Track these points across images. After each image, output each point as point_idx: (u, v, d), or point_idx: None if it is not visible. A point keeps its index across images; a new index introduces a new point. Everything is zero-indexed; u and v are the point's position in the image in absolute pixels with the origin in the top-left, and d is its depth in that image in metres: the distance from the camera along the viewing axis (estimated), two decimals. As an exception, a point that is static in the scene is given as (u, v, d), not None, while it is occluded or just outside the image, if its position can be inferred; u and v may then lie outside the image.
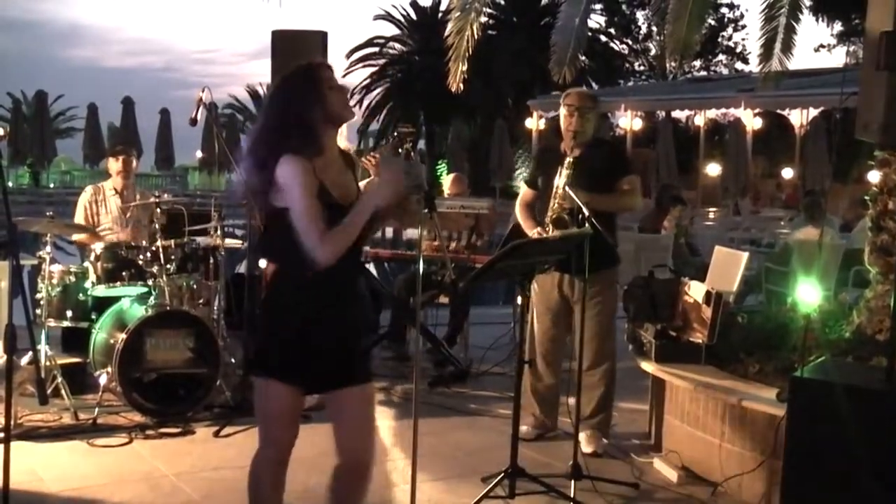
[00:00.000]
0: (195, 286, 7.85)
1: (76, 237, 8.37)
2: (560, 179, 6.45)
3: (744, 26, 48.26)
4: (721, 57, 49.51)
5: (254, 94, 53.22)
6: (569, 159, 6.48)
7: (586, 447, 6.51)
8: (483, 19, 9.20)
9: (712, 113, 33.48)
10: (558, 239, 5.94)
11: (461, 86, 9.09)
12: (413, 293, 8.53)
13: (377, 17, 47.53)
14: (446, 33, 9.36)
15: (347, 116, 4.08)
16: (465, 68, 8.96)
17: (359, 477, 4.25)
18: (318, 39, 8.39)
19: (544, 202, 6.69)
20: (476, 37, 8.89)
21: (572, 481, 5.65)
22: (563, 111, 6.72)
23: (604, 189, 6.46)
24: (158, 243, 7.43)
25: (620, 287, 7.20)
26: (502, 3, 42.16)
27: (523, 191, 7.06)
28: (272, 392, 4.08)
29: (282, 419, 4.14)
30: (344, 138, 4.30)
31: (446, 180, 10.24)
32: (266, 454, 4.21)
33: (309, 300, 4.00)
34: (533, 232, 6.60)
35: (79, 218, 8.47)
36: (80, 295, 7.64)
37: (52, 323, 7.55)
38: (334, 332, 4.03)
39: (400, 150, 4.58)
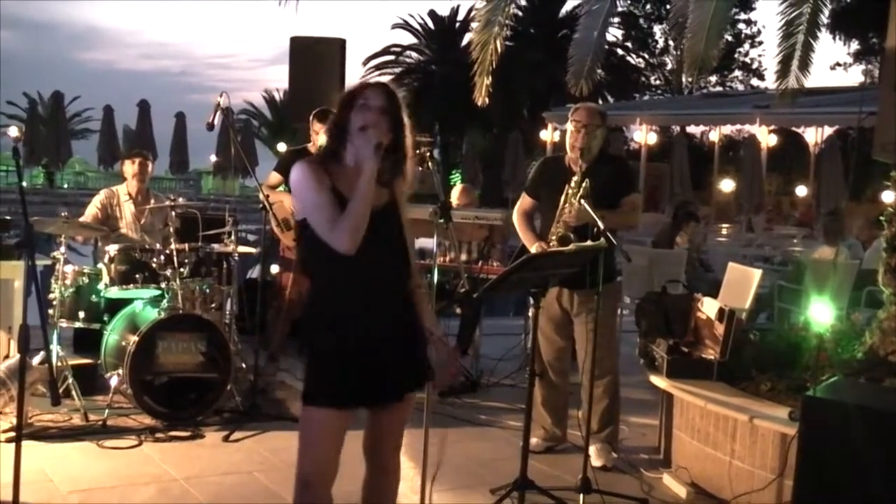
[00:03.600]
0: (208, 290, 7.87)
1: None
2: (566, 198, 6.44)
3: (760, 42, 48.21)
4: (737, 73, 49.50)
5: (270, 99, 53.24)
6: (575, 179, 6.47)
7: (596, 461, 6.51)
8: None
9: (727, 129, 33.44)
10: (573, 252, 5.92)
11: (485, 98, 9.06)
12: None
13: (395, 26, 47.57)
14: (469, 46, 9.35)
15: (361, 140, 3.93)
16: (489, 82, 8.95)
17: (389, 480, 4.34)
18: (337, 46, 8.43)
19: (547, 214, 6.69)
20: (499, 50, 8.88)
21: (581, 495, 5.64)
22: (570, 126, 6.71)
23: (608, 205, 6.45)
24: (172, 247, 7.44)
25: (632, 301, 7.17)
26: (520, 14, 42.14)
27: (522, 199, 7.04)
28: (323, 420, 3.98)
29: (328, 450, 4.01)
30: None
31: (455, 191, 10.22)
32: (304, 489, 4.04)
33: (343, 309, 3.96)
34: (534, 246, 6.59)
35: (88, 214, 8.53)
36: (93, 296, 7.68)
37: (64, 323, 7.58)
38: (371, 345, 3.96)
39: (421, 167, 4.56)
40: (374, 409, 4.12)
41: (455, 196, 10.01)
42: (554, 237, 6.47)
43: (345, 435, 4.04)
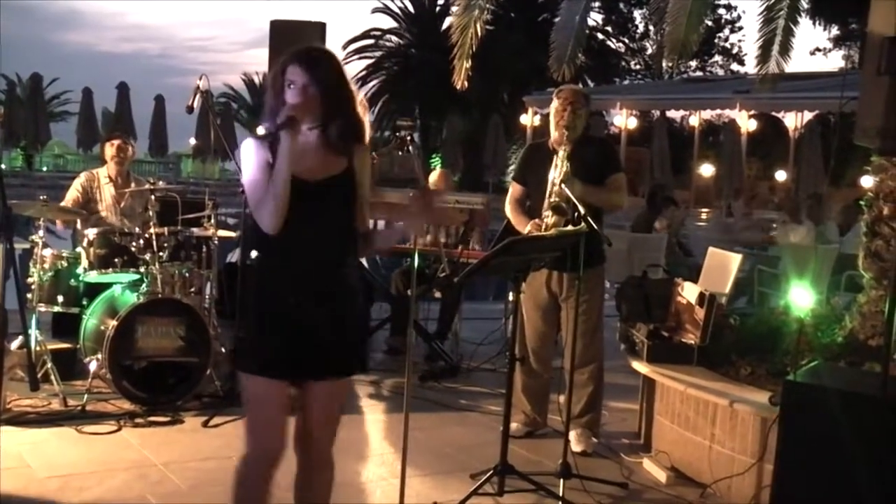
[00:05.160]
0: (187, 274, 7.82)
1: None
2: (555, 173, 6.43)
3: (740, 28, 48.43)
4: (717, 58, 49.64)
5: (249, 82, 53.20)
6: (561, 154, 6.45)
7: (576, 446, 6.51)
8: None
9: (707, 114, 33.52)
10: (554, 237, 5.92)
11: (464, 82, 9.05)
12: (409, 286, 8.52)
13: (375, 10, 47.46)
14: (450, 29, 9.34)
15: (293, 115, 3.83)
16: (469, 65, 8.92)
17: (324, 470, 4.18)
18: (317, 30, 8.37)
19: (536, 198, 6.67)
20: (480, 34, 8.86)
21: (561, 480, 5.62)
22: (555, 105, 6.69)
23: (593, 185, 6.44)
24: (152, 231, 7.40)
25: (612, 286, 7.16)
26: (500, -2, 42.06)
27: (512, 188, 7.03)
28: (260, 388, 3.98)
29: (271, 417, 4.01)
30: None
31: (433, 175, 10.15)
32: (255, 457, 4.05)
33: (280, 287, 3.94)
34: (528, 226, 6.57)
35: (69, 196, 8.46)
36: (72, 280, 7.62)
37: (42, 308, 7.53)
38: (309, 321, 3.93)
39: (401, 151, 4.55)
40: (300, 390, 4.05)
41: (433, 181, 9.94)
42: (548, 209, 6.45)
43: (283, 410, 4.02)
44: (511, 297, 6.74)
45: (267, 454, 4.02)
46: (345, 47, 45.89)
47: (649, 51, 48.96)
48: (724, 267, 9.50)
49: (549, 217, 6.41)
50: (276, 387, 3.98)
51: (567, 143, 6.50)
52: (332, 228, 3.96)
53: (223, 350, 8.00)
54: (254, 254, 6.59)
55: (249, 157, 3.89)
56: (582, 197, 6.05)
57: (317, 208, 3.89)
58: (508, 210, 6.93)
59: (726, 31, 48.69)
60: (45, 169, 40.68)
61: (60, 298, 7.62)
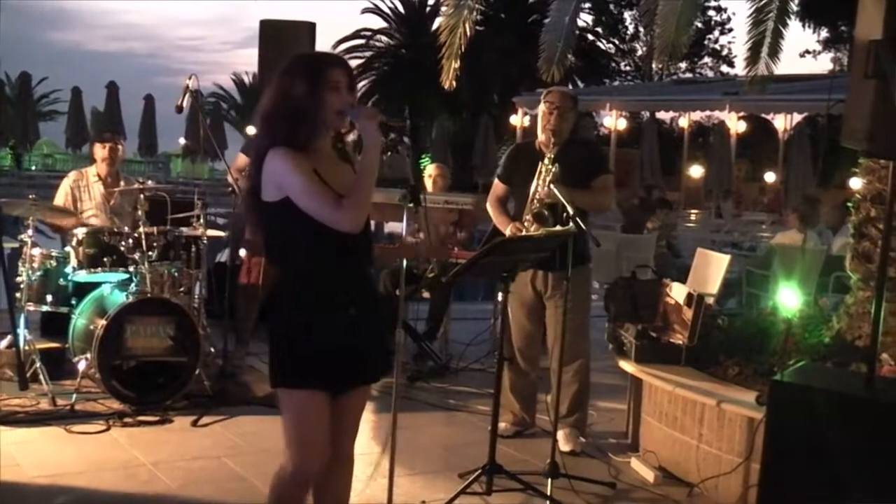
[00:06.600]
0: (177, 274, 7.82)
1: (52, 220, 8.27)
2: (540, 177, 6.45)
3: (730, 29, 48.52)
4: (707, 59, 49.72)
5: (239, 82, 53.17)
6: (549, 157, 6.48)
7: (564, 445, 6.52)
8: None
9: (697, 115, 33.55)
10: (543, 237, 5.93)
11: (452, 82, 9.05)
12: (397, 287, 8.52)
13: (365, 10, 47.46)
14: (438, 29, 9.35)
15: (336, 124, 3.93)
16: (457, 66, 8.93)
17: (346, 467, 4.26)
18: (307, 30, 8.39)
19: (520, 199, 6.69)
20: (468, 34, 8.86)
21: (549, 479, 5.65)
22: (542, 108, 6.70)
23: (580, 187, 6.46)
24: (141, 230, 7.39)
25: (601, 287, 7.16)
26: (491, -1, 42.09)
27: (495, 186, 7.04)
28: (309, 402, 3.93)
29: (317, 431, 3.96)
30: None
31: (430, 168, 10.06)
32: (296, 474, 3.99)
33: (315, 295, 3.91)
34: (508, 228, 6.59)
35: (58, 199, 8.43)
36: (61, 280, 7.61)
37: (31, 307, 7.51)
38: (344, 328, 3.92)
39: (392, 152, 4.54)
40: (338, 396, 4.05)
41: (430, 173, 9.82)
42: (529, 215, 6.47)
43: (326, 421, 3.99)
44: (500, 296, 6.74)
45: (310, 471, 4.00)
46: (335, 47, 45.79)
47: (639, 52, 49.09)
48: (712, 268, 9.51)
49: (530, 225, 6.42)
50: (322, 399, 3.96)
51: (554, 147, 6.52)
52: (363, 237, 3.98)
53: (212, 350, 8.02)
54: (244, 253, 6.57)
55: (295, 166, 3.79)
56: (572, 201, 6.06)
57: None
58: (489, 207, 6.94)
59: (716, 33, 48.82)
60: (33, 168, 40.60)
61: (49, 298, 7.60)
